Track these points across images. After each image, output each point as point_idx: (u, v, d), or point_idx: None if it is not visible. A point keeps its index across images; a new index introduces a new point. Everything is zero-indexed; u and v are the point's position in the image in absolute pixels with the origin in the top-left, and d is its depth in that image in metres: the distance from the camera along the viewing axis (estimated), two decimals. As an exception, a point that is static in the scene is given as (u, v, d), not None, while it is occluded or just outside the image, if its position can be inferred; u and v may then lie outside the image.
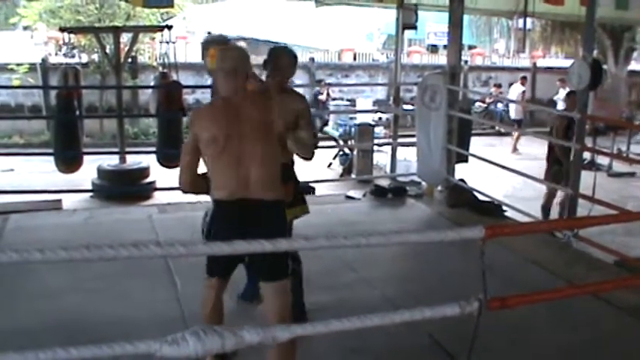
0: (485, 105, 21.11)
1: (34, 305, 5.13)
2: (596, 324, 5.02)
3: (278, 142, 3.79)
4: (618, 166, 14.31)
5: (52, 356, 2.10)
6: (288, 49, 4.88)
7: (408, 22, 9.55)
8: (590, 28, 6.94)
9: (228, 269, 3.86)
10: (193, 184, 3.84)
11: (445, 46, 12.34)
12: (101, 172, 11.14)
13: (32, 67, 18.05)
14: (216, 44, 4.49)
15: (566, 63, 20.57)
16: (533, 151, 16.96)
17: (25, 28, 22.11)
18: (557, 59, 27.53)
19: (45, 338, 4.36)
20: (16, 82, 17.24)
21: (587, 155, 10.58)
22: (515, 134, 17.48)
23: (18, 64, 17.86)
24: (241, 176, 3.57)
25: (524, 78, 19.46)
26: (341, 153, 13.54)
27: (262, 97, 4.03)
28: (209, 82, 19.06)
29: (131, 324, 4.70)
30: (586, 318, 5.02)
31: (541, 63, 24.97)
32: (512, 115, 18.64)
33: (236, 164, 3.57)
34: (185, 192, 3.96)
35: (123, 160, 11.28)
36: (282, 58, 4.68)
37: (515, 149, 17.22)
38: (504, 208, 8.05)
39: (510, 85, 20.46)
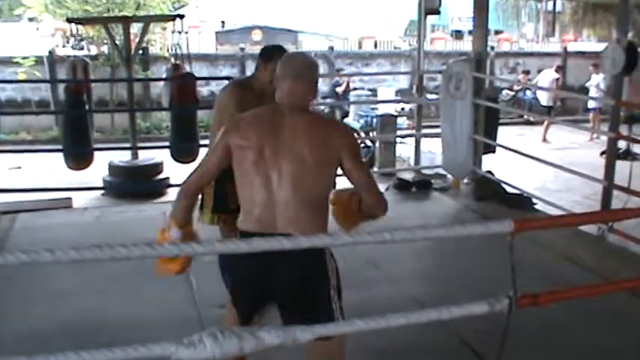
0: (514, 93, 21.01)
1: (44, 307, 5.17)
2: (633, 322, 4.99)
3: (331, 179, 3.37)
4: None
5: (63, 360, 2.12)
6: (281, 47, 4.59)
7: (430, 7, 9.52)
8: (625, 9, 6.89)
9: (254, 308, 3.33)
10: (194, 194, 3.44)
11: (470, 32, 12.30)
12: (112, 168, 11.19)
13: (39, 61, 18.14)
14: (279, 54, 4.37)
15: (599, 47, 20.49)
16: (565, 141, 16.92)
17: (31, 19, 22.26)
18: (589, 43, 27.34)
19: (55, 341, 4.40)
20: (22, 76, 17.35)
21: (622, 144, 10.50)
22: (546, 123, 17.38)
23: (24, 58, 17.97)
24: (270, 199, 3.16)
25: (559, 67, 19.29)
26: (362, 145, 13.52)
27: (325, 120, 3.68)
28: (224, 72, 19.02)
29: (145, 326, 4.73)
30: (622, 316, 4.99)
31: (572, 47, 24.78)
32: (543, 101, 18.50)
33: (266, 184, 3.17)
34: (181, 196, 3.42)
35: (135, 155, 11.32)
36: (280, 52, 4.26)
37: (545, 139, 17.13)
38: (534, 200, 8.02)
39: (539, 71, 20.33)
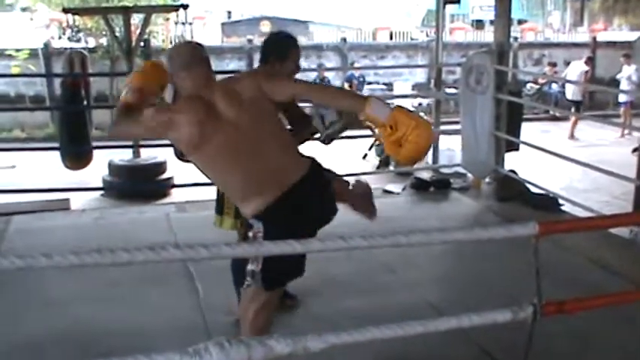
0: (538, 86, 20.97)
1: (41, 315, 5.19)
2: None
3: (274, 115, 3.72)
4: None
5: (62, 370, 2.14)
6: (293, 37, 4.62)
7: (450, -6, 9.53)
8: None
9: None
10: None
11: (492, 22, 12.29)
12: (113, 167, 11.24)
13: (33, 53, 18.23)
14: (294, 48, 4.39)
15: (632, 36, 20.39)
16: (593, 138, 16.88)
17: (24, 9, 22.36)
18: (620, 32, 27.25)
19: (52, 352, 4.41)
20: (15, 70, 17.44)
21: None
22: (573, 118, 17.34)
23: (17, 50, 18.06)
24: (271, 170, 3.48)
25: (590, 59, 19.19)
26: (377, 143, 13.53)
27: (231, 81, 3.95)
28: (231, 66, 19.02)
29: (148, 335, 4.75)
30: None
31: (602, 37, 24.70)
32: (569, 95, 18.38)
33: (253, 164, 3.48)
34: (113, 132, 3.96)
35: (137, 154, 11.36)
36: (295, 47, 4.40)
37: (572, 135, 17.09)
38: (561, 201, 8.01)
39: (568, 63, 20.27)
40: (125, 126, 3.70)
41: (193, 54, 3.68)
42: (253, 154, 3.45)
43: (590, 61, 19.22)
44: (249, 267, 3.50)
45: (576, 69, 18.69)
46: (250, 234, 3.54)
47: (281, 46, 4.40)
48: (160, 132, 3.54)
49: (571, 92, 18.22)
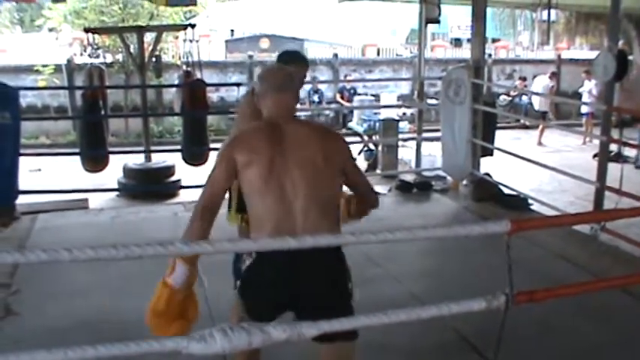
0: (510, 98, 21.01)
1: (63, 304, 5.18)
2: (624, 318, 4.99)
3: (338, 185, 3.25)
4: (645, 158, 14.16)
5: (80, 354, 2.12)
6: (303, 56, 4.47)
7: (431, 16, 9.53)
8: (615, 18, 6.88)
9: (274, 316, 3.07)
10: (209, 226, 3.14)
11: (469, 40, 12.28)
12: (127, 171, 11.20)
13: (58, 68, 18.20)
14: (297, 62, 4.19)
15: (592, 54, 20.46)
16: (559, 144, 16.90)
17: (51, 29, 22.31)
18: (581, 51, 27.30)
19: (73, 337, 4.41)
20: (42, 83, 17.40)
21: (613, 147, 10.48)
22: (541, 127, 17.37)
23: (44, 66, 18.03)
24: (286, 211, 3.02)
25: (554, 73, 19.21)
26: (365, 148, 13.50)
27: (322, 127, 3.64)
28: (233, 79, 19.02)
29: (159, 322, 4.74)
30: (613, 312, 4.99)
31: (566, 55, 24.76)
32: (537, 106, 18.41)
33: (280, 197, 3.02)
34: (196, 217, 3.19)
35: (148, 158, 11.33)
36: (303, 68, 4.22)
37: (540, 142, 17.12)
38: (530, 201, 8.01)
39: (535, 77, 20.32)
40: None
41: (285, 80, 3.28)
42: (287, 196, 3.01)
43: (555, 75, 19.21)
44: (240, 266, 3.31)
45: (541, 82, 18.78)
46: (244, 256, 3.25)
47: (283, 58, 4.29)
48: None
49: (537, 103, 18.30)
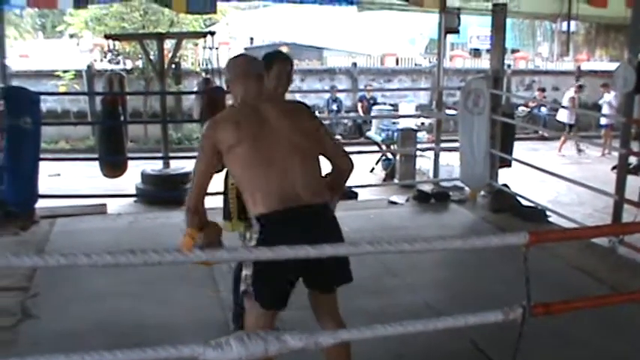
0: (529, 109, 20.93)
1: (81, 307, 5.20)
2: (642, 331, 4.95)
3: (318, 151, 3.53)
4: (665, 171, 14.08)
5: (97, 359, 2.13)
6: (285, 54, 4.47)
7: (450, 26, 9.52)
8: (636, 29, 6.84)
9: (289, 294, 3.35)
10: (201, 205, 3.47)
11: (488, 50, 12.27)
12: (145, 176, 11.23)
13: (78, 74, 18.31)
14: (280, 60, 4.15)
15: (611, 66, 20.37)
16: (577, 156, 16.87)
17: (72, 35, 22.52)
18: (601, 62, 27.17)
19: (91, 340, 4.43)
20: (62, 89, 17.53)
21: (632, 159, 10.43)
22: (562, 138, 17.35)
23: (64, 71, 18.15)
24: (288, 182, 3.29)
25: (580, 87, 18.94)
26: (384, 158, 13.51)
27: (292, 102, 3.90)
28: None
29: (175, 328, 4.75)
30: (631, 326, 4.95)
31: (585, 66, 24.64)
32: (565, 119, 18.17)
33: (274, 165, 3.31)
34: (190, 213, 3.46)
35: (167, 165, 11.36)
36: (280, 59, 4.20)
37: (560, 150, 17.12)
38: (548, 213, 7.98)
39: (555, 89, 20.23)
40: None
41: (249, 66, 3.64)
42: (280, 163, 3.31)
43: (580, 89, 18.97)
44: (244, 272, 3.43)
45: (569, 96, 18.64)
46: (247, 235, 3.62)
47: (266, 58, 4.20)
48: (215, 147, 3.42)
49: (565, 116, 18.09)
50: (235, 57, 3.78)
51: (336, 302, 3.53)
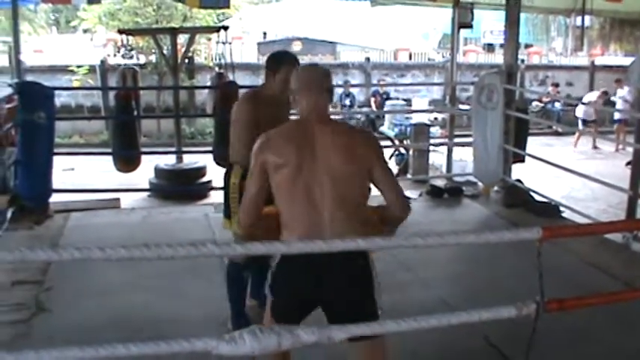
0: (543, 104, 20.86)
1: (95, 302, 5.22)
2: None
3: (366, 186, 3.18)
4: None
5: (111, 352, 2.14)
6: (294, 56, 4.29)
7: (463, 20, 9.50)
8: (651, 25, 6.81)
9: (298, 316, 3.07)
10: (256, 224, 3.16)
11: (501, 45, 12.22)
12: (158, 171, 11.27)
13: (92, 69, 18.40)
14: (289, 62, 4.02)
15: (626, 61, 20.28)
16: (591, 151, 16.81)
17: (85, 30, 22.62)
18: (615, 57, 27.05)
19: (105, 334, 4.43)
20: (76, 84, 17.60)
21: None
22: (577, 133, 17.29)
23: (78, 66, 18.25)
24: (315, 215, 2.99)
25: (604, 92, 18.58)
26: (397, 153, 13.48)
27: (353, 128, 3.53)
28: (260, 80, 19.09)
29: (188, 322, 4.76)
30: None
31: (599, 61, 24.54)
32: (585, 116, 17.88)
33: (308, 200, 3.00)
34: (244, 235, 3.31)
35: (180, 159, 11.39)
36: (288, 61, 4.02)
37: (576, 145, 17.06)
38: (561, 208, 7.95)
39: (569, 84, 20.14)
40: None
41: (317, 80, 3.20)
42: (312, 201, 2.99)
43: (604, 94, 18.50)
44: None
45: (590, 97, 18.44)
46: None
47: (273, 61, 4.18)
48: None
49: (583, 113, 17.82)
50: (305, 67, 3.44)
51: None
